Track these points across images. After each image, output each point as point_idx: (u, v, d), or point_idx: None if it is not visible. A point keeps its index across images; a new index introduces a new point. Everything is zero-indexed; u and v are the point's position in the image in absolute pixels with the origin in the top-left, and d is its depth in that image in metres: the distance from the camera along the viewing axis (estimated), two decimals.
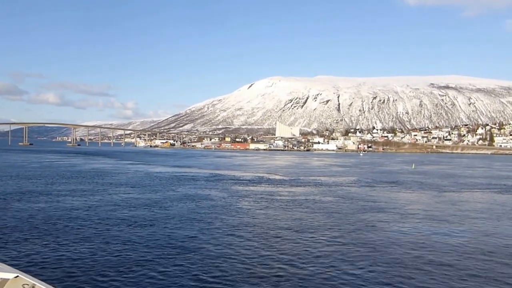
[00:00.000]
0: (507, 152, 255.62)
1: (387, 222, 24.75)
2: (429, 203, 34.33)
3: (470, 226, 24.24)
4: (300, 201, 33.25)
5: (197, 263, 15.72)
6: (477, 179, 60.10)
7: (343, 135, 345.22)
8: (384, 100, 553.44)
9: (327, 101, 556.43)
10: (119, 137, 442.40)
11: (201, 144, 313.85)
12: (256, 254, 17.13)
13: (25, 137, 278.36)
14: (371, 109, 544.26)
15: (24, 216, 24.56)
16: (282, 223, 24.01)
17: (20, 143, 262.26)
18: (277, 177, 58.24)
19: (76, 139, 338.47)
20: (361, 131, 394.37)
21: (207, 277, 14.29)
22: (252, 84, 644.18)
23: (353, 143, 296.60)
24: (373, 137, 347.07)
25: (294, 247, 18.38)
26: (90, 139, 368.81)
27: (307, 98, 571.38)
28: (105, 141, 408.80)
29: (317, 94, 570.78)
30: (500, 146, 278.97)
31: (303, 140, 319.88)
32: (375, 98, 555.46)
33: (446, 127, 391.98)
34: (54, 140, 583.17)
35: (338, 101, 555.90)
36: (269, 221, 24.65)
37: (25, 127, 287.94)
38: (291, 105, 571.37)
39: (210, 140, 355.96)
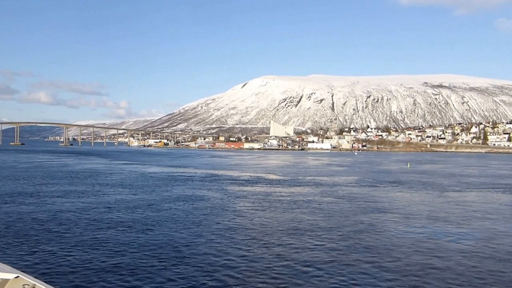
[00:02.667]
0: (501, 150, 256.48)
1: (391, 224, 23.86)
2: (433, 203, 33.25)
3: (478, 228, 23.35)
4: (300, 202, 32.22)
5: (193, 269, 14.96)
6: (479, 178, 59.14)
7: (337, 134, 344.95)
8: (378, 99, 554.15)
9: (321, 100, 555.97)
10: (112, 136, 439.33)
11: (195, 144, 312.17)
12: (255, 259, 16.34)
13: (17, 136, 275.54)
14: (365, 108, 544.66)
15: (11, 219, 23.25)
16: (282, 225, 23.07)
17: (11, 143, 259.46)
18: (276, 177, 56.98)
19: (68, 139, 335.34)
20: (355, 130, 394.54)
21: (203, 284, 13.60)
22: (245, 83, 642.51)
23: (348, 142, 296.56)
24: (368, 136, 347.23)
25: (294, 251, 17.54)
26: (82, 139, 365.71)
27: (301, 97, 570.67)
28: (98, 140, 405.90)
29: (311, 93, 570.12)
30: (494, 144, 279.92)
31: (297, 139, 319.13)
32: (369, 97, 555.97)
33: (440, 125, 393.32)
34: (46, 140, 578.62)
35: (332, 100, 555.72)
36: (269, 223, 23.71)
37: (17, 127, 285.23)
38: (285, 104, 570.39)
39: (204, 139, 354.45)
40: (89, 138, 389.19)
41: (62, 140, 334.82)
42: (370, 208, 29.74)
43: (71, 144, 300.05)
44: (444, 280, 14.17)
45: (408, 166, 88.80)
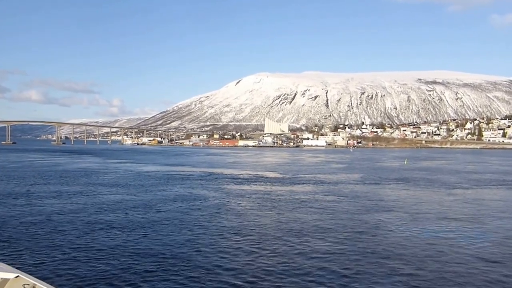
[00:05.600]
0: (495, 146, 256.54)
1: (400, 224, 22.63)
2: (442, 201, 31.83)
3: (492, 227, 22.19)
4: (304, 201, 30.76)
5: (192, 274, 14.00)
6: (484, 174, 57.75)
7: (332, 131, 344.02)
8: (372, 96, 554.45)
9: (315, 97, 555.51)
10: (105, 135, 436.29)
11: (189, 141, 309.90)
12: (258, 263, 15.31)
13: (8, 136, 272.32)
14: (360, 104, 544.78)
15: None
16: (285, 226, 21.80)
17: (2, 142, 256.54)
18: (276, 175, 55.25)
19: (61, 138, 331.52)
20: (350, 126, 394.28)
21: None
22: (239, 81, 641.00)
23: (343, 138, 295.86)
24: (362, 132, 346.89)
25: (299, 254, 16.43)
26: (75, 137, 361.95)
27: (295, 94, 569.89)
28: (91, 139, 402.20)
29: (305, 90, 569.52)
30: (489, 140, 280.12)
31: (292, 136, 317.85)
32: (363, 93, 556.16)
33: (435, 122, 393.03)
34: (38, 138, 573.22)
35: (327, 96, 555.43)
36: (272, 224, 22.45)
37: (8, 126, 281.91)
38: (279, 101, 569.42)
39: (198, 137, 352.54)
40: (82, 137, 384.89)
41: (54, 138, 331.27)
42: (377, 207, 28.45)
43: (63, 143, 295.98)
44: (461, 284, 13.18)
45: (406, 162, 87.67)
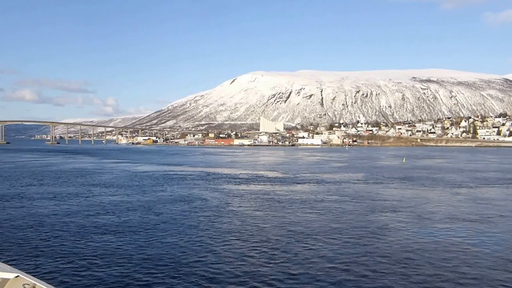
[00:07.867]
0: (490, 144, 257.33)
1: (408, 225, 21.84)
2: (450, 201, 31.00)
3: (505, 227, 21.30)
4: (306, 202, 29.86)
5: (191, 279, 13.35)
6: (488, 173, 57.15)
7: (327, 130, 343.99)
8: (367, 94, 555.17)
9: (310, 96, 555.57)
10: (100, 134, 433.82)
11: (185, 141, 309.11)
12: (261, 267, 14.62)
13: (2, 135, 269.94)
14: (354, 103, 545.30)
15: None
16: (288, 228, 20.98)
17: None
18: (277, 174, 54.20)
19: (55, 137, 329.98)
20: (346, 125, 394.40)
21: None
22: (234, 79, 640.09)
23: (338, 137, 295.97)
24: (358, 131, 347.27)
25: (304, 258, 15.65)
26: (70, 137, 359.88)
27: (290, 93, 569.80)
28: (86, 138, 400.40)
29: (300, 89, 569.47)
30: (484, 138, 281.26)
31: (287, 135, 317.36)
32: (358, 92, 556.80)
33: (430, 120, 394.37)
34: (32, 138, 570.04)
35: (321, 95, 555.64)
36: (275, 226, 21.59)
37: (2, 126, 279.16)
38: (274, 100, 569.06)
39: (194, 136, 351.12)
40: (76, 136, 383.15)
41: (48, 138, 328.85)
42: (383, 207, 27.56)
43: (58, 143, 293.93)
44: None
45: (404, 161, 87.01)
